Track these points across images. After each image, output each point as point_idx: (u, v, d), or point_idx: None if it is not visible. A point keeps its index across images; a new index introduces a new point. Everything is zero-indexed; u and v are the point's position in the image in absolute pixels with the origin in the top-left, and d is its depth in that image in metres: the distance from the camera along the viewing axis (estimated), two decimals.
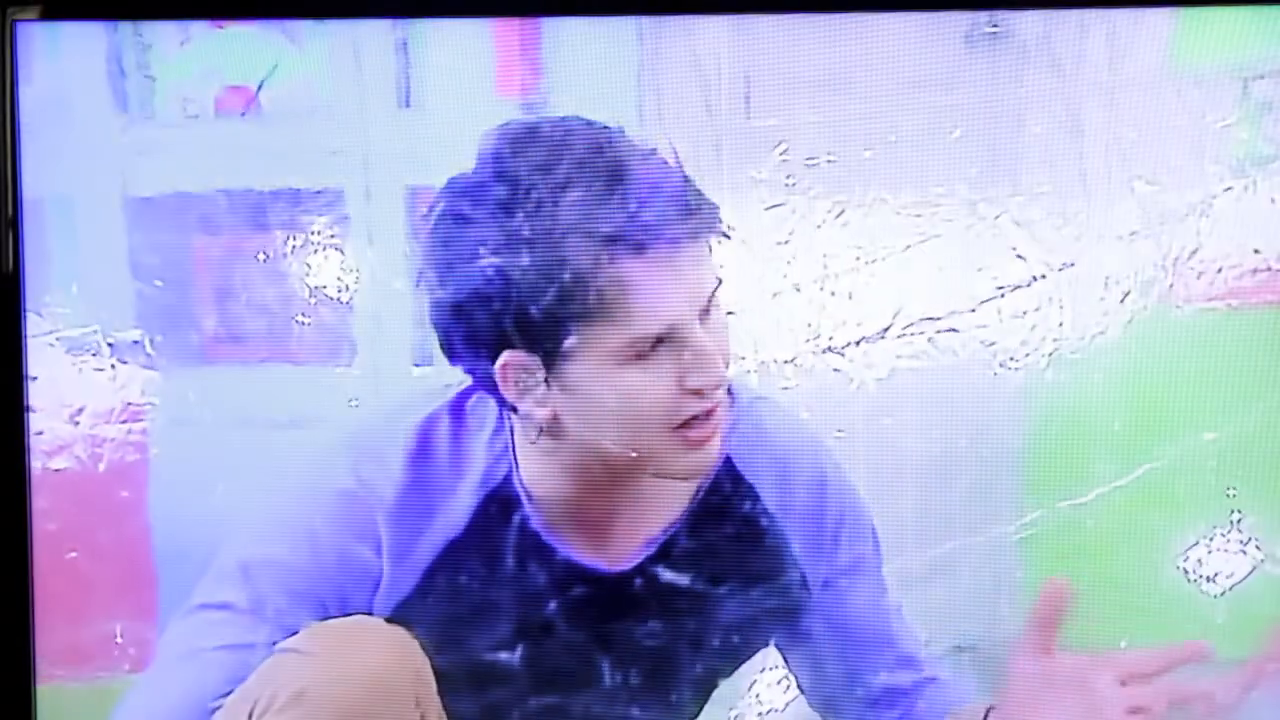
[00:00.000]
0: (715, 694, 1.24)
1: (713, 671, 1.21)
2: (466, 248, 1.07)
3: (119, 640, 1.29)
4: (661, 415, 1.09)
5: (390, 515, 1.14)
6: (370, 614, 1.14)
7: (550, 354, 1.07)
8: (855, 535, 1.20)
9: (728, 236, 1.11)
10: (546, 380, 1.09)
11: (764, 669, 1.25)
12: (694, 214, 1.07)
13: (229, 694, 1.08)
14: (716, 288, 1.10)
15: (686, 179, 1.09)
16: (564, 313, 1.06)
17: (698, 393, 1.09)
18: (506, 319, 1.07)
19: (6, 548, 1.26)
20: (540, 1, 1.22)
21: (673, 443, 1.10)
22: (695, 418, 1.09)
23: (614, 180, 1.05)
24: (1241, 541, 1.18)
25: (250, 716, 1.05)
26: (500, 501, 1.15)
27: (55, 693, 1.28)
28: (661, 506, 1.17)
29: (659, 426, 1.09)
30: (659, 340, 1.07)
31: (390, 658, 1.08)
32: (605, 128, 1.09)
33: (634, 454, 1.10)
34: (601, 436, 1.10)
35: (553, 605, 1.16)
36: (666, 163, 1.09)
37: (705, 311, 1.09)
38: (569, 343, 1.07)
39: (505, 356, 1.09)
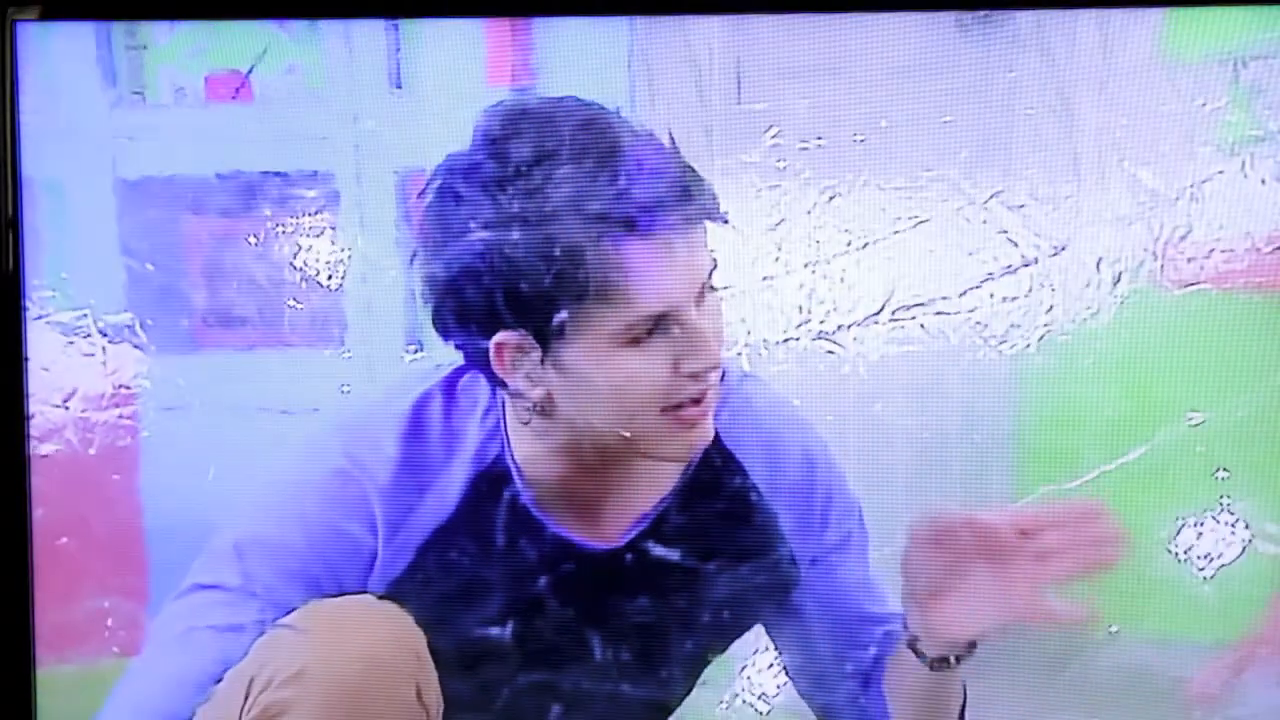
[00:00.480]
0: (707, 680, 1.24)
1: (703, 648, 1.21)
2: (465, 226, 1.07)
3: (109, 623, 1.29)
4: (656, 398, 1.09)
5: (383, 494, 1.14)
6: (365, 593, 1.14)
7: (546, 334, 1.08)
8: (843, 513, 1.20)
9: (726, 221, 1.11)
10: (542, 360, 1.09)
11: (756, 651, 1.25)
12: (693, 198, 1.07)
13: (224, 673, 1.09)
14: (712, 270, 1.10)
15: (685, 163, 1.09)
16: (561, 294, 1.06)
17: (693, 376, 1.09)
18: (503, 298, 1.07)
19: (5, 538, 1.26)
20: (533, 1, 1.22)
21: (665, 425, 1.10)
22: (688, 401, 1.10)
23: (613, 162, 1.05)
24: (1231, 523, 1.19)
25: (248, 694, 1.06)
26: (492, 480, 1.15)
27: (47, 676, 1.28)
28: (652, 483, 1.17)
29: (653, 409, 1.09)
30: (655, 323, 1.07)
31: (388, 636, 1.08)
32: (603, 109, 1.09)
33: (626, 435, 1.10)
34: (594, 418, 1.10)
35: (544, 582, 1.16)
36: (664, 146, 1.09)
37: (700, 294, 1.09)
38: (565, 323, 1.07)
39: (501, 335, 1.09)
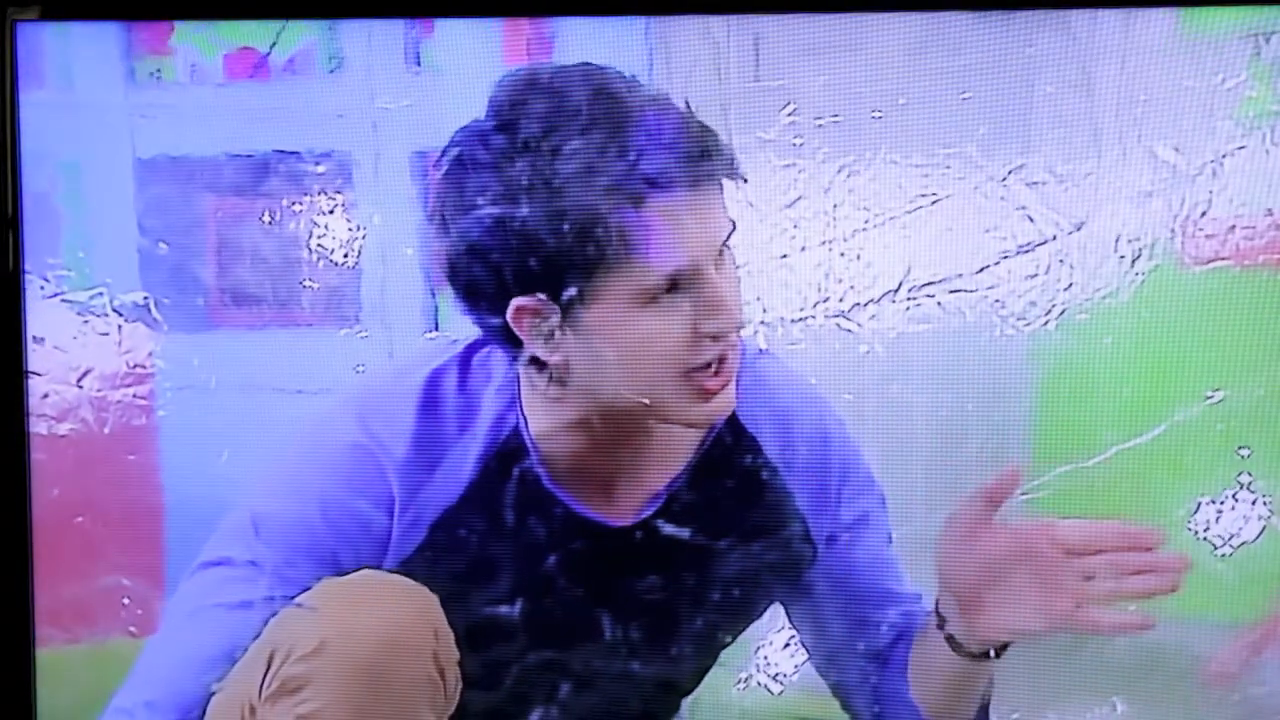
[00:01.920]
0: (724, 660, 1.24)
1: (720, 627, 1.20)
2: (481, 193, 1.07)
3: (125, 603, 1.29)
4: (676, 360, 1.08)
5: (399, 470, 1.13)
6: (381, 568, 1.14)
7: (563, 297, 1.07)
8: (858, 490, 1.20)
9: (745, 180, 1.10)
10: (561, 324, 1.08)
11: (772, 632, 1.24)
12: (709, 157, 1.07)
13: (235, 650, 1.09)
14: (730, 232, 1.09)
15: (700, 123, 1.08)
16: (577, 256, 1.05)
17: (713, 337, 1.08)
18: (520, 263, 1.07)
19: (6, 517, 1.27)
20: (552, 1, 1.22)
21: (686, 390, 1.10)
22: (709, 363, 1.09)
23: (627, 124, 1.05)
24: (1251, 502, 1.18)
25: (268, 668, 1.05)
26: (505, 455, 1.15)
27: (61, 655, 1.28)
28: (666, 460, 1.17)
29: (673, 372, 1.09)
30: (674, 284, 1.07)
31: (407, 610, 1.08)
32: (618, 74, 1.09)
33: (646, 401, 1.10)
34: (614, 382, 1.09)
35: (558, 559, 1.16)
36: (677, 107, 1.08)
37: (719, 255, 1.09)
38: (582, 286, 1.06)
39: (519, 300, 1.08)
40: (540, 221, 1.05)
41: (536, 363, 1.11)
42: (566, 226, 1.05)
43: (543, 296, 1.07)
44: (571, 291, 1.06)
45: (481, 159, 1.07)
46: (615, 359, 1.08)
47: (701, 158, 1.06)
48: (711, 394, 1.10)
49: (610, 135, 1.05)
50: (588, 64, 1.09)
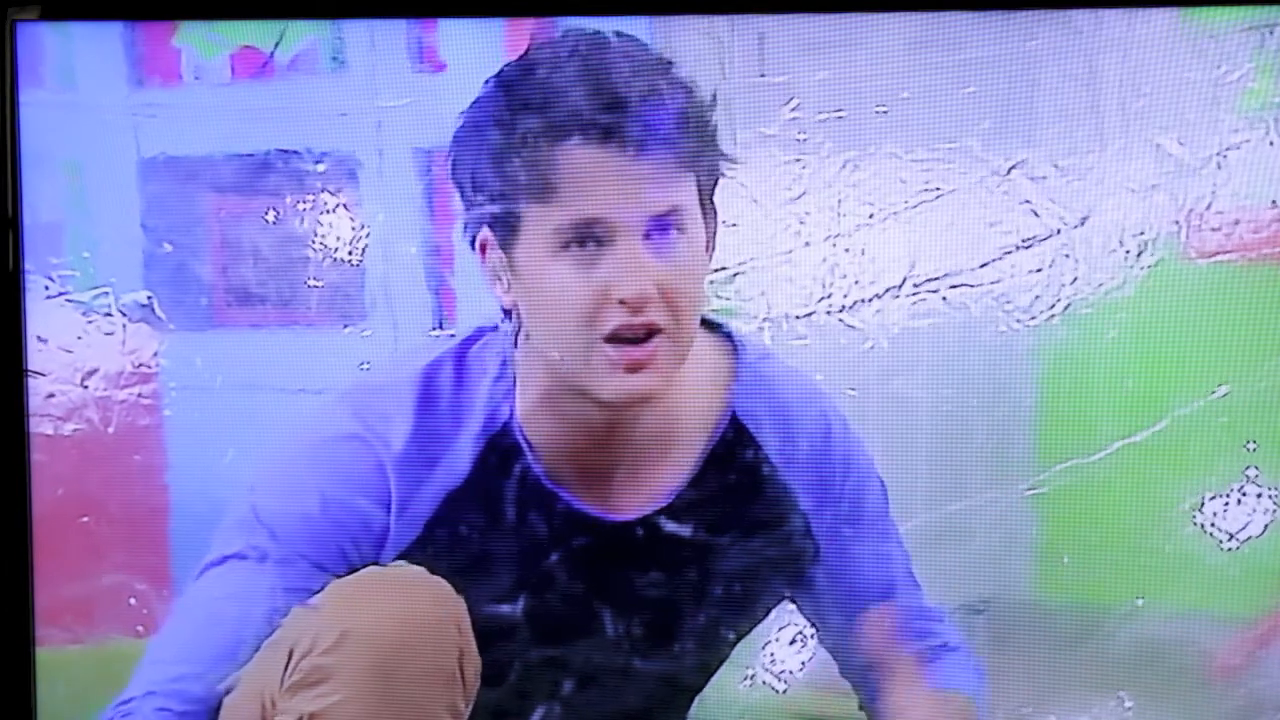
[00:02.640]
0: (731, 658, 1.24)
1: (719, 622, 1.20)
2: (483, 131, 1.10)
3: (132, 603, 1.29)
4: (586, 316, 1.09)
5: (395, 462, 1.14)
6: (379, 562, 1.14)
7: (503, 230, 1.10)
8: (860, 485, 1.20)
9: (707, 176, 1.11)
10: (505, 262, 1.11)
11: (777, 629, 1.24)
12: (681, 139, 1.08)
13: (246, 642, 1.10)
14: (674, 215, 1.09)
15: (699, 114, 1.09)
16: (513, 186, 1.08)
17: (623, 304, 1.08)
18: (484, 194, 1.10)
19: (7, 517, 1.27)
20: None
21: (601, 357, 1.10)
22: (625, 335, 1.09)
23: (617, 80, 1.07)
24: (1257, 495, 1.18)
25: (289, 661, 1.06)
26: (502, 451, 1.15)
27: (64, 656, 1.28)
28: (670, 464, 1.17)
29: (586, 330, 1.09)
30: (592, 237, 1.08)
31: (430, 604, 1.08)
32: (645, 47, 1.11)
33: (560, 358, 1.11)
34: (543, 333, 1.11)
35: (556, 555, 1.15)
36: (685, 89, 1.10)
37: (660, 232, 1.09)
38: (511, 218, 1.09)
39: (483, 233, 1.11)
40: (499, 151, 1.08)
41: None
42: (512, 156, 1.08)
43: (492, 231, 1.11)
44: (506, 223, 1.09)
45: (488, 96, 1.11)
46: (540, 305, 1.10)
47: (674, 135, 1.07)
48: (626, 371, 1.10)
49: (591, 84, 1.07)
50: (621, 33, 1.12)
